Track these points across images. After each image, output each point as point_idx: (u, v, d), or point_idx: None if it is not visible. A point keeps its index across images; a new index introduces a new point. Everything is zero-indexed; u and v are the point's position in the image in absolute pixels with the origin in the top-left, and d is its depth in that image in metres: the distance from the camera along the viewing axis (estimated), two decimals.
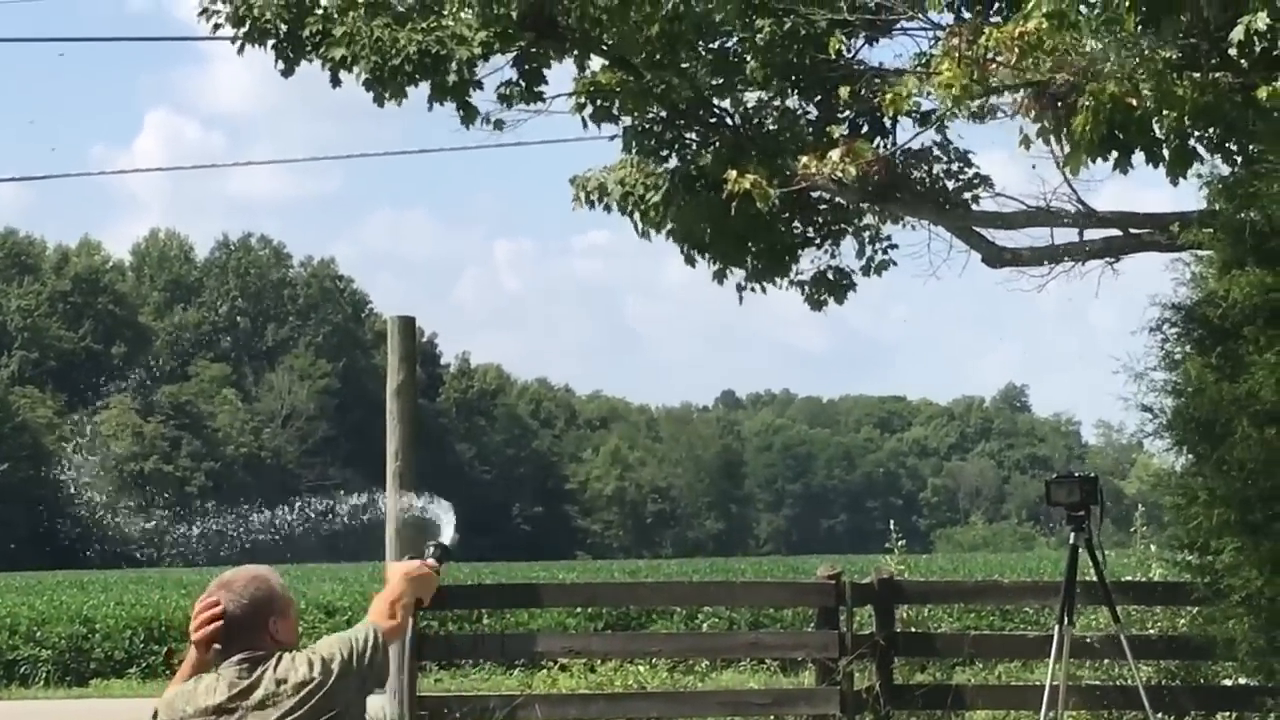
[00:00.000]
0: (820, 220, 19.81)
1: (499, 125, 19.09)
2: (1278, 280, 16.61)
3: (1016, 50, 12.91)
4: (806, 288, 20.30)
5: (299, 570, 58.83)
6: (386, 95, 18.22)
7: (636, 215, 19.35)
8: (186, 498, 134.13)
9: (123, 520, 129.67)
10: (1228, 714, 20.42)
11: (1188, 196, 18.83)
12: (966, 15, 16.76)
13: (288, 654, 7.02)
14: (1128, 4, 12.87)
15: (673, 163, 19.36)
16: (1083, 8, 13.30)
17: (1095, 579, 13.02)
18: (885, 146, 18.67)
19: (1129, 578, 22.25)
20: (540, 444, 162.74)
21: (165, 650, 29.36)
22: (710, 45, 18.44)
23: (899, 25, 18.53)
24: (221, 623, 6.98)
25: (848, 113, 18.61)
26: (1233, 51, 13.20)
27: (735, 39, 18.34)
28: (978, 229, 19.86)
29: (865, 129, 18.59)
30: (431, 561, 7.74)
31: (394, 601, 7.50)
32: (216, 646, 6.99)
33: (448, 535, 8.03)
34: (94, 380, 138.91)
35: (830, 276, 20.28)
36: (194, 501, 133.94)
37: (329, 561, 75.25)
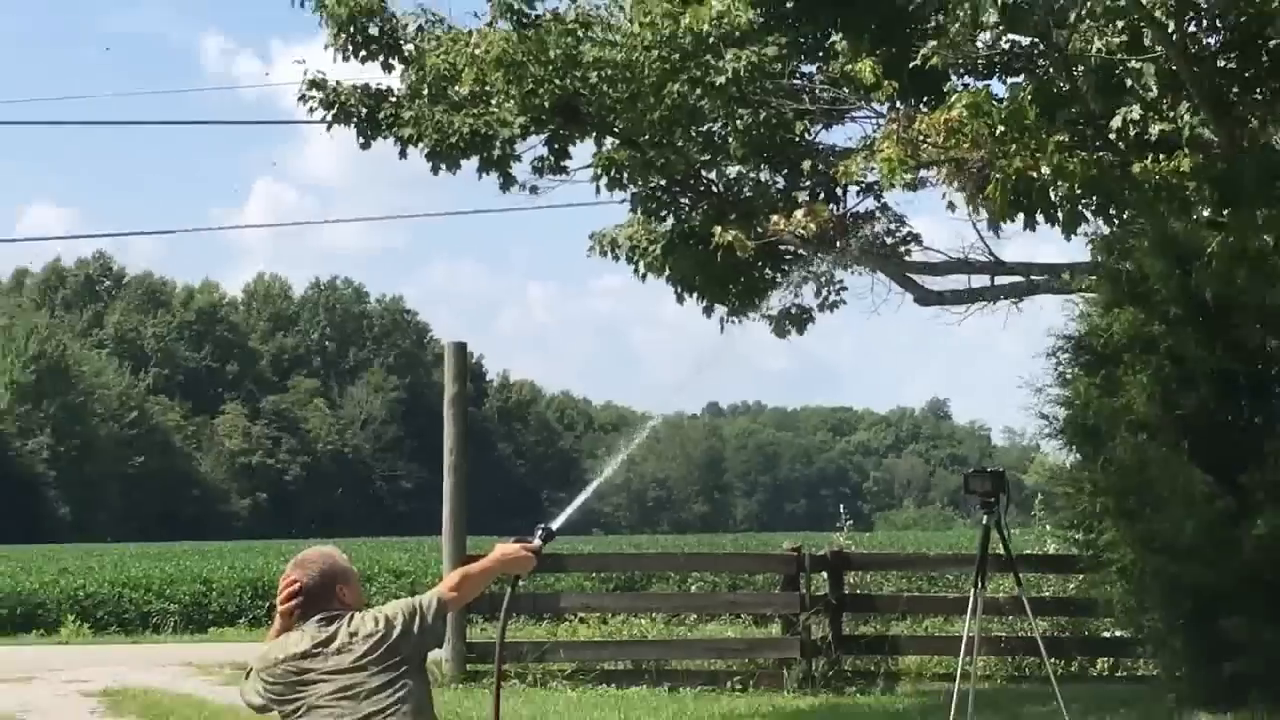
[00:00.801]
0: (786, 267, 19.78)
1: (533, 191, 19.07)
2: (1149, 318, 16.59)
3: (942, 133, 12.86)
4: (774, 321, 20.24)
5: (374, 541, 58.74)
6: (444, 166, 18.19)
7: (640, 263, 19.32)
8: (284, 485, 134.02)
9: (234, 502, 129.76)
10: (1107, 659, 20.40)
11: (1077, 250, 18.82)
12: (902, 106, 16.72)
13: (359, 613, 7.01)
14: (1029, 98, 12.84)
15: (670, 222, 19.33)
16: (994, 101, 13.27)
17: (1002, 552, 12.96)
18: (838, 209, 18.63)
19: (1029, 551, 22.24)
20: (564, 443, 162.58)
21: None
22: (700, 129, 18.38)
23: (850, 114, 18.50)
24: (301, 597, 6.97)
25: (809, 182, 18.56)
26: (1112, 135, 13.18)
27: (720, 124, 18.28)
28: (910, 275, 19.85)
29: (822, 195, 18.55)
30: (535, 543, 7.60)
31: (471, 574, 7.41)
32: (297, 613, 6.99)
33: (557, 522, 7.92)
34: (213, 391, 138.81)
35: (793, 312, 20.22)
36: (290, 488, 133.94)
37: (397, 535, 75.06)
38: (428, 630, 7.07)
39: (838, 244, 18.29)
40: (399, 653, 6.89)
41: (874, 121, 17.85)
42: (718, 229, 17.32)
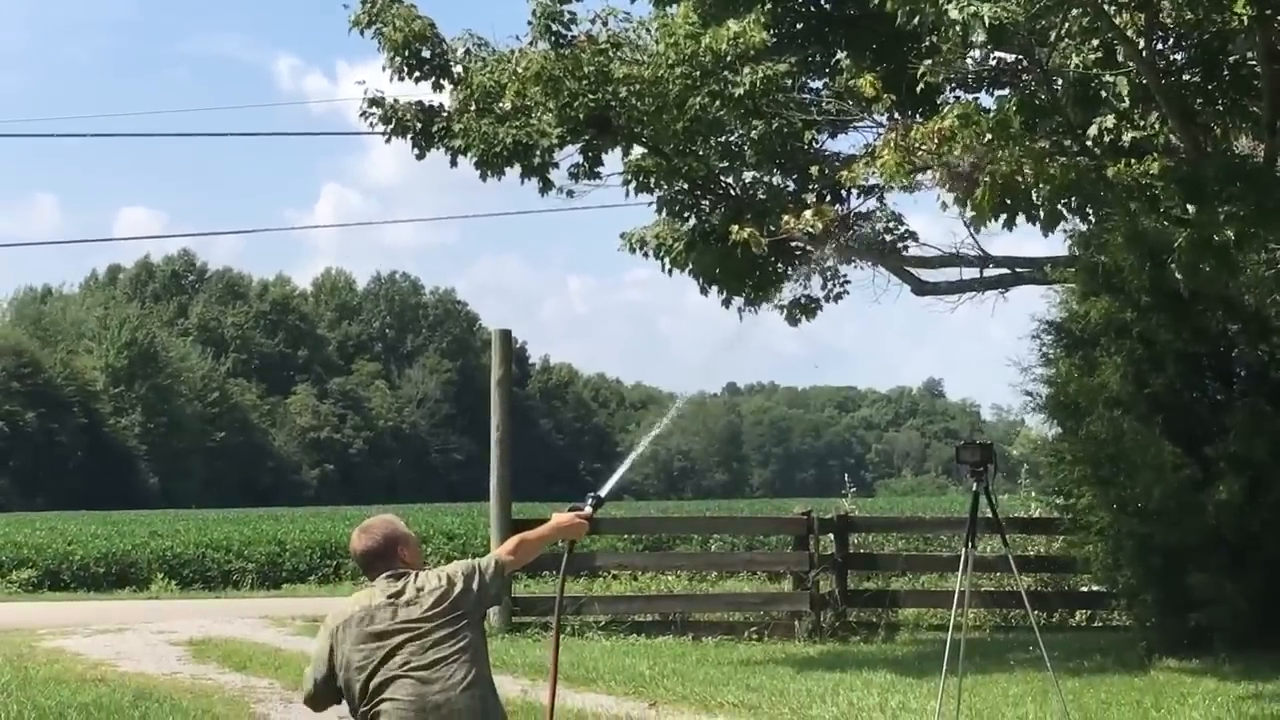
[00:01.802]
0: (796, 262, 19.75)
1: (570, 194, 19.07)
2: (1122, 306, 16.56)
3: (936, 141, 12.81)
4: (786, 310, 20.22)
5: (430, 507, 58.77)
6: (490, 173, 18.18)
7: (666, 259, 19.31)
8: (350, 457, 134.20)
9: (304, 473, 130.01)
10: (1085, 611, 20.37)
11: (1058, 245, 18.78)
12: (899, 117, 16.67)
13: (425, 571, 7.06)
14: (1014, 109, 12.78)
15: (692, 222, 19.32)
16: (983, 112, 13.22)
17: (991, 515, 12.91)
18: (842, 210, 18.60)
19: (1015, 514, 22.17)
20: (599, 420, 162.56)
21: None
22: (719, 138, 18.37)
23: (853, 124, 18.46)
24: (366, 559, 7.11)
25: (816, 185, 18.52)
26: (1089, 142, 13.11)
27: (737, 134, 18.27)
28: (907, 268, 19.82)
29: (828, 197, 18.50)
30: (587, 510, 7.63)
31: (528, 539, 7.45)
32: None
33: (605, 489, 7.93)
34: (285, 374, 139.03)
35: (803, 302, 20.20)
36: (354, 460, 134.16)
37: (449, 502, 75.15)
38: (486, 588, 7.10)
39: (841, 240, 18.27)
40: (460, 607, 6.93)
41: (874, 131, 17.79)
42: (735, 228, 17.32)
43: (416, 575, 7.00)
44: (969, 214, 13.42)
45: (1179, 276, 13.55)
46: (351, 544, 7.18)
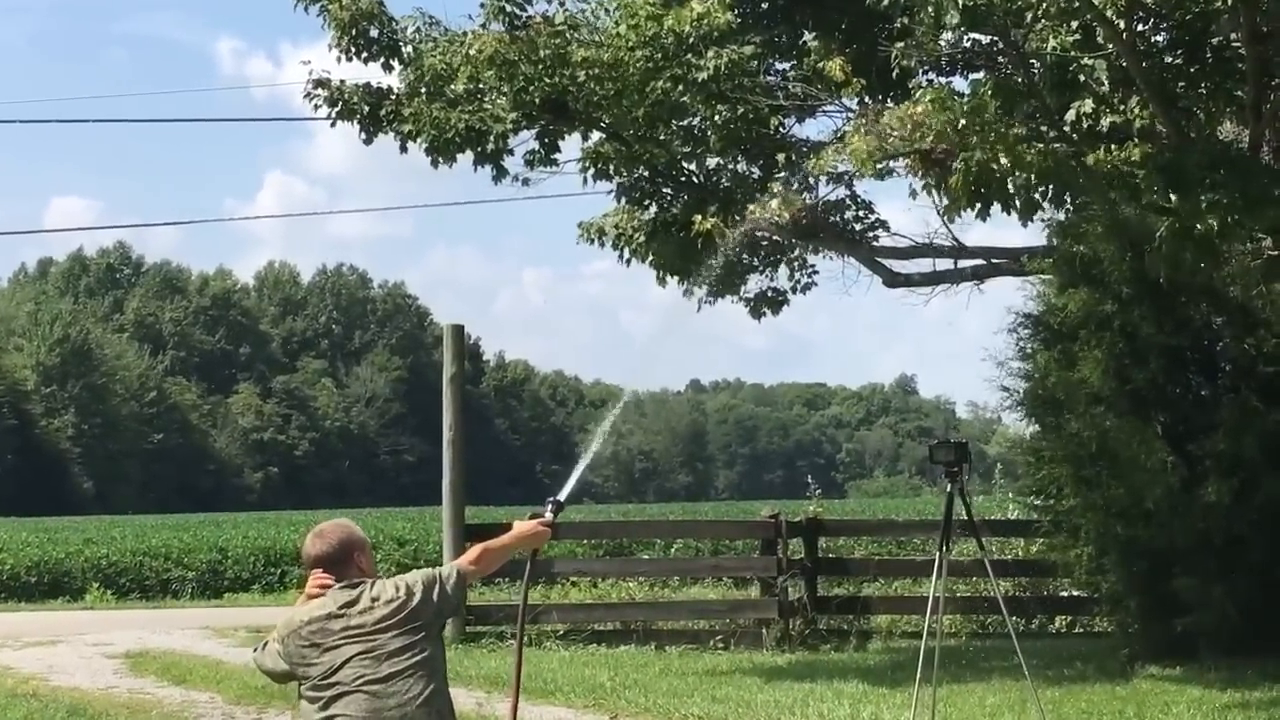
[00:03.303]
0: (762, 252, 19.79)
1: (525, 182, 19.05)
2: (1102, 297, 16.61)
3: (908, 127, 12.86)
4: (751, 303, 20.26)
5: (380, 511, 58.72)
6: (441, 160, 18.15)
7: (625, 249, 19.31)
8: (294, 459, 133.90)
9: (247, 476, 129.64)
10: (1065, 617, 20.43)
11: (1035, 235, 18.87)
12: (869, 101, 16.72)
13: (381, 580, 7.02)
14: (989, 94, 12.84)
15: (653, 210, 19.32)
16: (957, 96, 13.27)
17: (966, 517, 12.96)
18: (810, 198, 18.63)
19: (992, 516, 22.25)
20: (556, 419, 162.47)
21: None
22: (681, 123, 18.38)
23: (821, 109, 18.51)
24: (322, 567, 7.01)
25: (783, 173, 18.54)
26: (1067, 128, 13.19)
27: (700, 119, 18.28)
28: (879, 259, 19.87)
29: (796, 185, 18.53)
30: (548, 517, 7.63)
31: (491, 548, 7.41)
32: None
33: (563, 493, 7.93)
34: (226, 372, 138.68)
35: (769, 294, 20.24)
36: (299, 462, 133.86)
37: (400, 505, 75.03)
38: (447, 599, 7.08)
39: (810, 230, 18.31)
40: (419, 619, 6.89)
41: (844, 116, 17.88)
42: (698, 217, 17.35)
43: (372, 584, 6.96)
44: (942, 202, 13.50)
45: (1160, 267, 13.64)
46: (304, 549, 7.14)
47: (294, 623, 6.91)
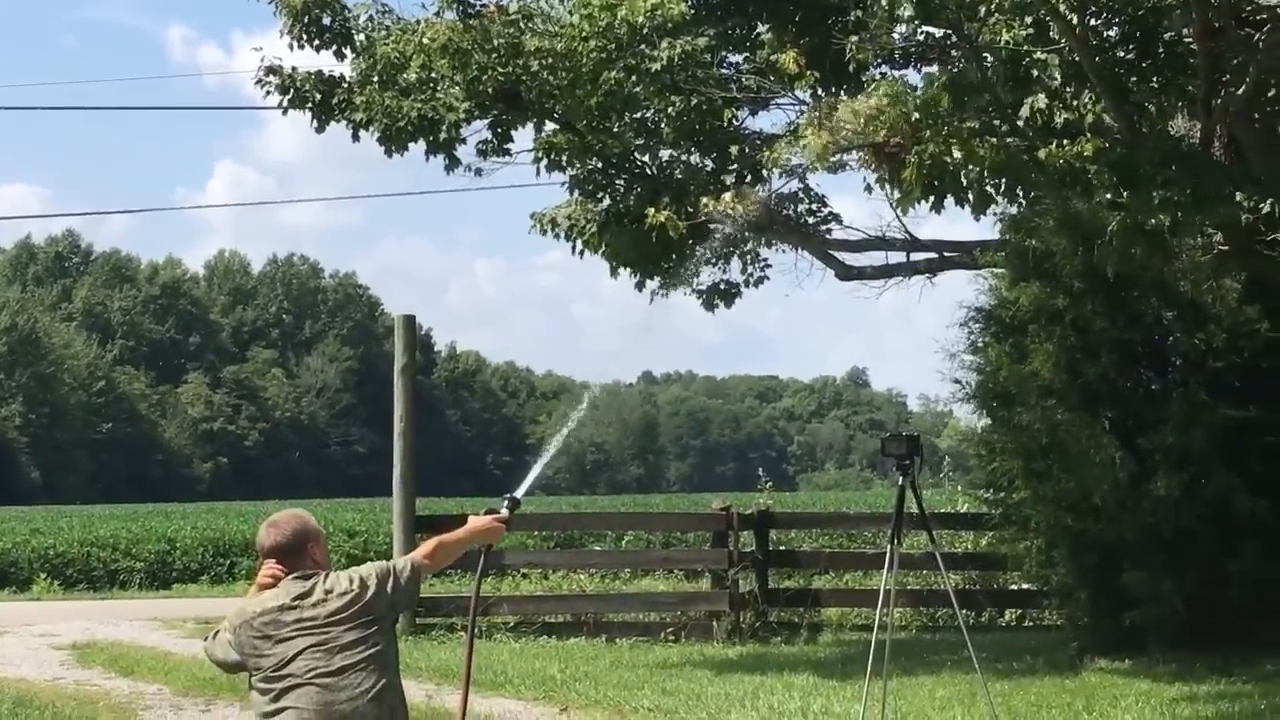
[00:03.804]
0: (715, 245, 19.78)
1: (478, 173, 18.98)
2: (1053, 291, 16.70)
3: (862, 120, 12.86)
4: (704, 295, 20.25)
5: (330, 503, 58.51)
6: (394, 149, 18.10)
7: (579, 241, 19.26)
8: (244, 450, 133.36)
9: (196, 466, 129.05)
10: (1014, 610, 20.53)
11: (987, 229, 18.92)
12: (823, 94, 16.74)
13: (335, 572, 7.03)
14: (943, 88, 12.86)
15: (606, 202, 19.27)
16: (910, 90, 13.28)
17: (917, 510, 12.99)
18: (764, 191, 18.64)
19: (943, 510, 22.34)
20: (508, 410, 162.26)
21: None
22: (635, 115, 18.36)
23: (775, 101, 18.51)
24: (276, 559, 7.02)
25: (736, 166, 18.54)
26: (1020, 122, 13.21)
27: (654, 110, 18.27)
28: (832, 252, 19.89)
29: (749, 178, 18.54)
30: (503, 513, 7.64)
31: (446, 542, 7.44)
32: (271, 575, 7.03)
33: (520, 490, 7.94)
34: (176, 362, 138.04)
35: (722, 287, 20.23)
36: (249, 453, 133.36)
37: (350, 497, 74.83)
38: (400, 592, 7.07)
39: (763, 223, 18.31)
40: (372, 611, 6.89)
41: (797, 109, 17.87)
42: (651, 210, 17.34)
43: (326, 576, 6.94)
44: (895, 196, 13.51)
45: (1112, 262, 13.68)
46: (259, 539, 7.11)
47: (246, 613, 6.88)
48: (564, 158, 18.77)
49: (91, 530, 36.58)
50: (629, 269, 19.39)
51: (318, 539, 7.13)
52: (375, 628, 6.86)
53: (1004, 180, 13.12)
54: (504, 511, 7.67)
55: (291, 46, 18.54)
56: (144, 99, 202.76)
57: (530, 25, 17.52)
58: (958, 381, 17.87)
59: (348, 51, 18.58)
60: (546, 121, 18.56)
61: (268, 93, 18.87)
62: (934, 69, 16.32)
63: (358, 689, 6.72)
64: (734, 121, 18.47)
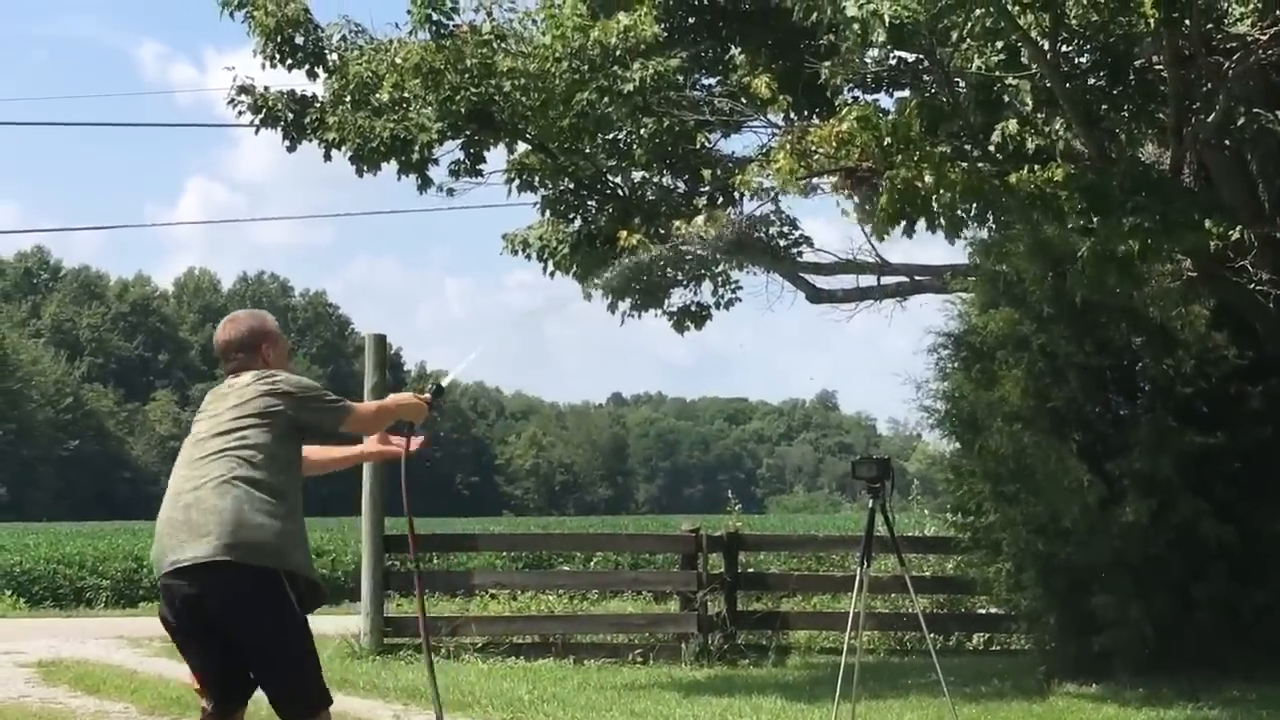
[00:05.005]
0: (686, 267, 19.79)
1: (450, 193, 18.95)
2: (1023, 317, 16.73)
3: (834, 144, 12.91)
4: (674, 317, 20.25)
5: None
6: (366, 169, 18.09)
7: (550, 262, 19.25)
8: None
9: (164, 484, 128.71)
10: (983, 634, 20.54)
11: (958, 253, 18.97)
12: (795, 118, 16.79)
13: (272, 371, 7.29)
14: (915, 112, 12.90)
15: (578, 223, 19.28)
16: (882, 114, 13.33)
17: (887, 534, 13.01)
18: (735, 214, 18.67)
19: (911, 533, 22.34)
20: (477, 430, 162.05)
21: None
22: (607, 136, 18.37)
23: (747, 125, 18.55)
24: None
25: (708, 188, 18.58)
26: (991, 147, 13.27)
27: (626, 132, 18.28)
28: (803, 275, 19.93)
29: (721, 201, 18.57)
30: (426, 396, 8.02)
31: (383, 406, 8.02)
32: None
33: (446, 379, 8.18)
34: (144, 379, 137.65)
35: (693, 309, 20.24)
36: None
37: (319, 516, 74.33)
38: (319, 411, 7.30)
39: (734, 246, 18.34)
40: (269, 411, 7.09)
41: (769, 132, 17.93)
42: (623, 231, 17.35)
43: (263, 373, 7.11)
44: (869, 220, 13.55)
45: (1081, 288, 13.74)
46: (215, 335, 7.27)
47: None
48: (536, 178, 18.77)
49: (58, 547, 36.39)
50: (599, 290, 19.37)
51: (273, 340, 7.28)
52: (263, 423, 6.92)
53: (975, 205, 13.17)
54: (428, 395, 8.04)
55: (264, 65, 18.52)
56: (116, 115, 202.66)
57: (503, 46, 17.54)
58: (926, 408, 17.89)
59: (320, 71, 18.56)
60: (519, 142, 18.57)
61: (240, 112, 18.85)
62: (906, 94, 16.38)
63: (209, 476, 6.79)
64: (706, 144, 18.51)
